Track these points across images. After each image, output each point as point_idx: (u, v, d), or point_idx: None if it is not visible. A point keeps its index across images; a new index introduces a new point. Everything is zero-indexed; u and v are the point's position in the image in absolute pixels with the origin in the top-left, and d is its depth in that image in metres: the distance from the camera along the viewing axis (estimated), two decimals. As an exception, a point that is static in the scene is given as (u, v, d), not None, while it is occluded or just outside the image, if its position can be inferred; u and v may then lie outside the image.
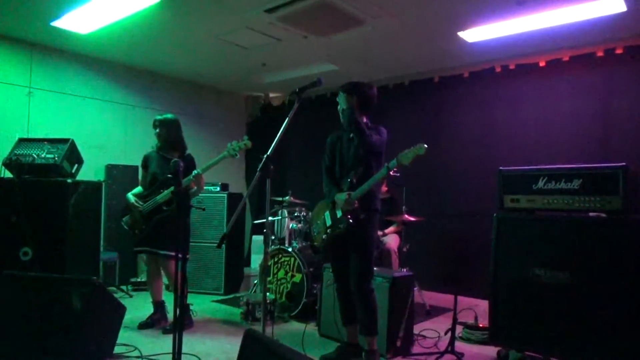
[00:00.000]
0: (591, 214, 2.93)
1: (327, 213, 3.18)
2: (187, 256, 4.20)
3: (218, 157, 3.59)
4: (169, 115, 3.94)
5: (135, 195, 3.86)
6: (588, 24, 4.12)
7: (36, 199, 3.63)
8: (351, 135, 3.13)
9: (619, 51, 4.56)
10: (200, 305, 4.60)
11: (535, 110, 5.03)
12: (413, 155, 2.78)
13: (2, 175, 3.73)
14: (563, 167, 3.05)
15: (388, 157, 2.98)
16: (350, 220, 2.97)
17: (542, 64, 5.03)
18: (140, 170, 4.10)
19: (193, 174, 3.60)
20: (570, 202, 2.97)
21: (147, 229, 3.74)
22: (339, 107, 3.18)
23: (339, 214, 3.06)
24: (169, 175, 3.64)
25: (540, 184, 3.10)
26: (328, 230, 3.14)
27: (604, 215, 2.87)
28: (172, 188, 3.59)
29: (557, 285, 2.94)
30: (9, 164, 3.74)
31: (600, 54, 4.67)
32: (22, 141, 3.96)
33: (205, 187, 5.19)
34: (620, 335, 2.69)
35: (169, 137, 3.87)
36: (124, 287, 5.15)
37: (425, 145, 2.77)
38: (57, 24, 4.50)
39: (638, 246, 2.71)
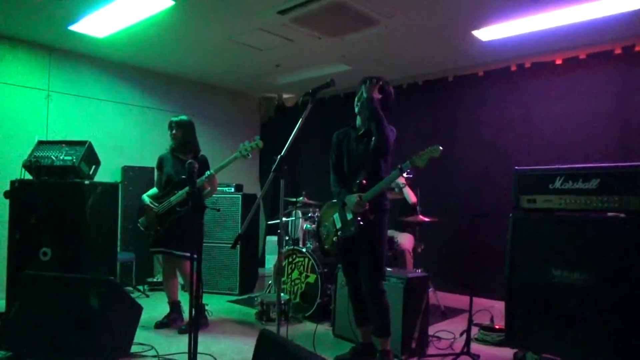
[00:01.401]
0: (609, 214, 2.88)
1: (336, 215, 3.12)
2: (195, 256, 4.26)
3: (230, 157, 3.62)
4: (184, 117, 3.98)
5: (150, 196, 3.91)
6: (606, 21, 4.05)
7: (55, 200, 3.69)
8: (361, 131, 3.06)
9: (638, 48, 4.47)
10: (216, 305, 4.63)
11: (552, 109, 4.96)
12: (428, 157, 2.73)
13: (22, 177, 3.81)
14: (580, 167, 3.00)
15: (400, 157, 2.94)
16: (361, 223, 2.93)
17: (558, 62, 4.96)
18: (155, 171, 4.14)
19: (206, 174, 3.63)
20: (588, 202, 2.92)
21: (161, 230, 3.79)
22: (356, 98, 3.05)
23: (349, 216, 3.00)
24: (183, 177, 3.69)
25: (557, 183, 3.06)
26: (338, 233, 3.08)
27: (622, 215, 2.82)
28: (186, 189, 3.63)
29: (574, 287, 2.89)
30: (28, 165, 3.81)
31: (618, 51, 4.59)
32: (41, 143, 4.03)
33: (219, 188, 5.25)
34: (640, 337, 2.64)
35: (185, 138, 3.90)
36: (140, 287, 5.22)
37: (441, 148, 2.72)
38: (75, 28, 4.58)
39: (658, 247, 2.66)
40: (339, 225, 3.09)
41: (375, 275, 2.99)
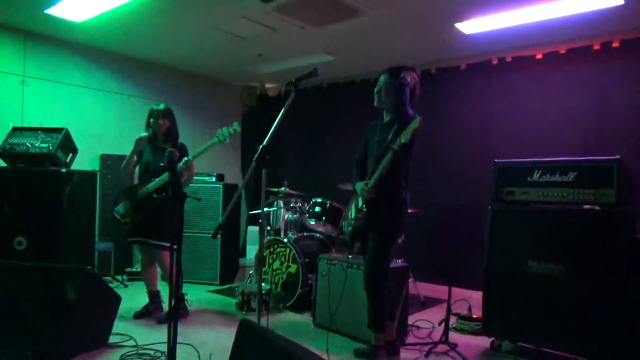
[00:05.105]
0: (585, 206, 2.94)
1: (353, 205, 3.16)
2: (175, 246, 4.22)
3: (207, 143, 3.58)
4: (166, 106, 3.91)
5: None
6: (585, 16, 4.11)
7: (30, 188, 3.61)
8: (386, 120, 3.03)
9: (615, 44, 4.56)
10: (196, 295, 4.61)
11: (531, 102, 5.03)
12: (410, 131, 2.69)
13: (-5, 164, 3.72)
14: (558, 160, 3.06)
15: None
16: (370, 212, 2.93)
17: (538, 56, 5.03)
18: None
19: (183, 161, 3.57)
20: (565, 195, 2.98)
21: (137, 218, 3.72)
22: (376, 89, 3.07)
23: (360, 203, 3.04)
24: (161, 164, 3.64)
25: (535, 176, 3.11)
26: (352, 222, 3.12)
27: (597, 207, 2.89)
28: (163, 176, 3.59)
29: (550, 277, 2.97)
30: (3, 153, 3.71)
31: (597, 47, 4.67)
32: (16, 130, 3.93)
33: (201, 177, 5.21)
34: (612, 326, 2.73)
35: (170, 127, 3.85)
36: (119, 277, 5.15)
37: (419, 118, 2.70)
38: (51, 11, 4.44)
39: (631, 239, 2.73)
40: (353, 215, 3.12)
41: (374, 266, 2.94)
